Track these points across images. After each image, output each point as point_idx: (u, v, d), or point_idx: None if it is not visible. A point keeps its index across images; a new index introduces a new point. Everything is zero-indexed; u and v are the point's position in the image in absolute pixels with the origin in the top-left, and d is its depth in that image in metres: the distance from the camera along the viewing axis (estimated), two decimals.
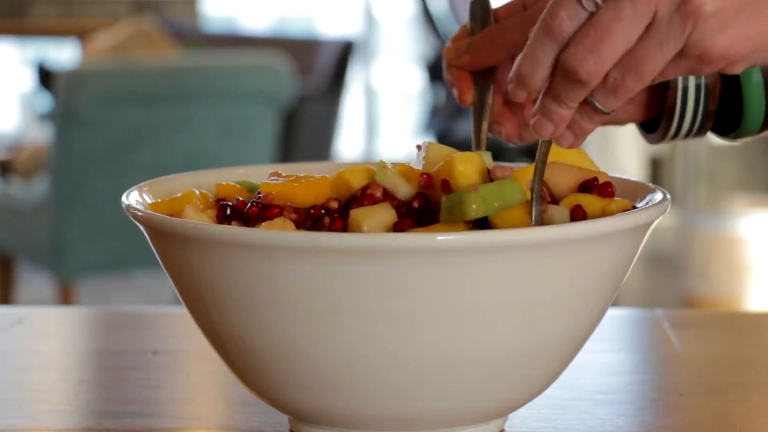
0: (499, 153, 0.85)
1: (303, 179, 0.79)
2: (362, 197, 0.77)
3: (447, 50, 0.93)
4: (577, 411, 0.87)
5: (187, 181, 0.87)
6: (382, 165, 0.79)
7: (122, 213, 0.80)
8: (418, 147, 0.84)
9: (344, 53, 4.60)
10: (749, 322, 1.17)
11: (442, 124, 4.81)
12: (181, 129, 3.41)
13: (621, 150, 4.37)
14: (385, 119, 6.76)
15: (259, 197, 0.79)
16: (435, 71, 5.01)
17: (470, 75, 0.92)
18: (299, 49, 4.70)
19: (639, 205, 0.80)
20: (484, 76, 0.92)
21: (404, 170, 0.79)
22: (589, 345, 0.79)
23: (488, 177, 0.77)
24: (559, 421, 0.85)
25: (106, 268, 3.46)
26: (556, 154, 0.80)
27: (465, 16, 0.94)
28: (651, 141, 0.97)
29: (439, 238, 0.68)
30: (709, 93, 0.92)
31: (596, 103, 0.72)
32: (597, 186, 0.78)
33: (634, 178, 0.84)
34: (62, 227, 3.36)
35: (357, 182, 0.79)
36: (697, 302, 4.04)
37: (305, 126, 4.38)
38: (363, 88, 6.55)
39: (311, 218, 0.77)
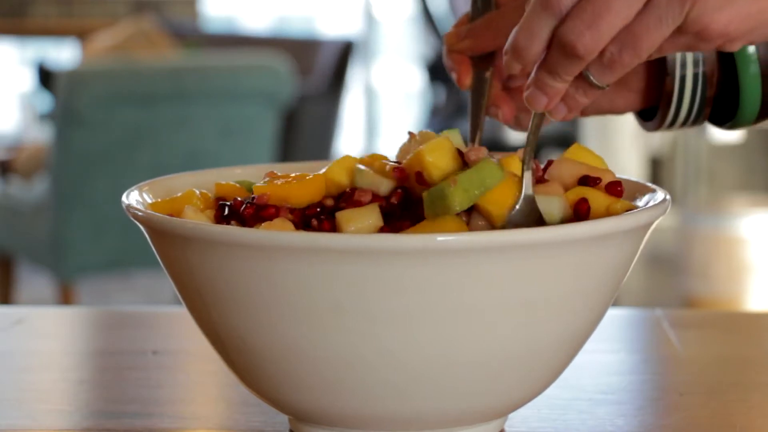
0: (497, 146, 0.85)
1: (294, 180, 0.79)
2: (347, 201, 0.77)
3: (448, 35, 0.93)
4: (577, 411, 0.87)
5: (187, 181, 0.87)
6: (358, 169, 0.79)
7: (122, 213, 0.80)
8: (411, 134, 0.84)
9: (344, 53, 4.60)
10: (749, 322, 1.17)
11: (442, 124, 4.82)
12: (181, 129, 3.41)
13: (621, 149, 4.37)
14: (385, 119, 6.75)
15: (254, 198, 0.78)
16: (435, 71, 5.01)
17: (470, 60, 0.92)
18: (299, 49, 4.70)
19: (639, 205, 0.80)
20: (484, 61, 0.92)
21: (381, 168, 0.79)
22: (589, 345, 0.79)
23: (461, 159, 0.77)
24: (559, 421, 0.85)
25: (106, 268, 3.45)
26: (574, 155, 0.80)
27: None
28: (648, 129, 0.96)
29: (439, 238, 0.68)
30: (707, 81, 0.92)
31: (591, 78, 0.72)
32: (606, 184, 0.78)
33: (634, 178, 0.84)
34: (62, 227, 3.35)
35: (344, 180, 0.79)
36: (697, 302, 4.04)
37: (305, 126, 4.38)
38: (363, 88, 6.55)
39: (306, 218, 0.77)
